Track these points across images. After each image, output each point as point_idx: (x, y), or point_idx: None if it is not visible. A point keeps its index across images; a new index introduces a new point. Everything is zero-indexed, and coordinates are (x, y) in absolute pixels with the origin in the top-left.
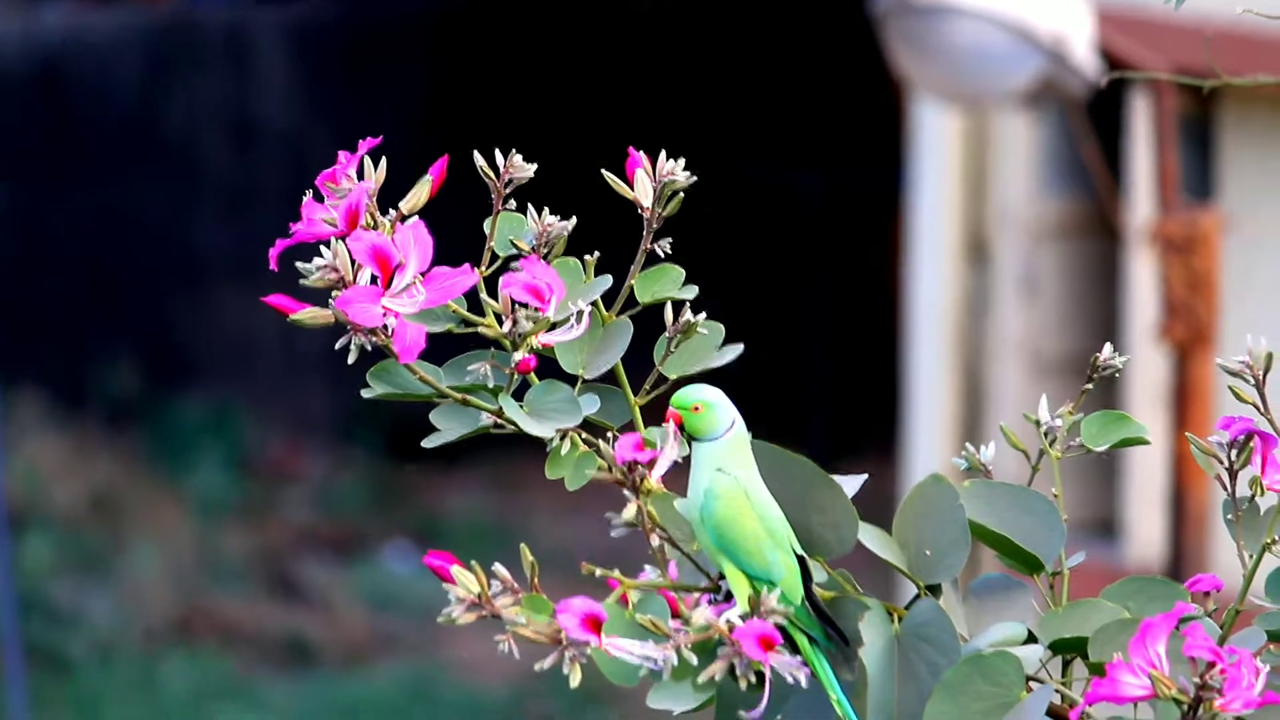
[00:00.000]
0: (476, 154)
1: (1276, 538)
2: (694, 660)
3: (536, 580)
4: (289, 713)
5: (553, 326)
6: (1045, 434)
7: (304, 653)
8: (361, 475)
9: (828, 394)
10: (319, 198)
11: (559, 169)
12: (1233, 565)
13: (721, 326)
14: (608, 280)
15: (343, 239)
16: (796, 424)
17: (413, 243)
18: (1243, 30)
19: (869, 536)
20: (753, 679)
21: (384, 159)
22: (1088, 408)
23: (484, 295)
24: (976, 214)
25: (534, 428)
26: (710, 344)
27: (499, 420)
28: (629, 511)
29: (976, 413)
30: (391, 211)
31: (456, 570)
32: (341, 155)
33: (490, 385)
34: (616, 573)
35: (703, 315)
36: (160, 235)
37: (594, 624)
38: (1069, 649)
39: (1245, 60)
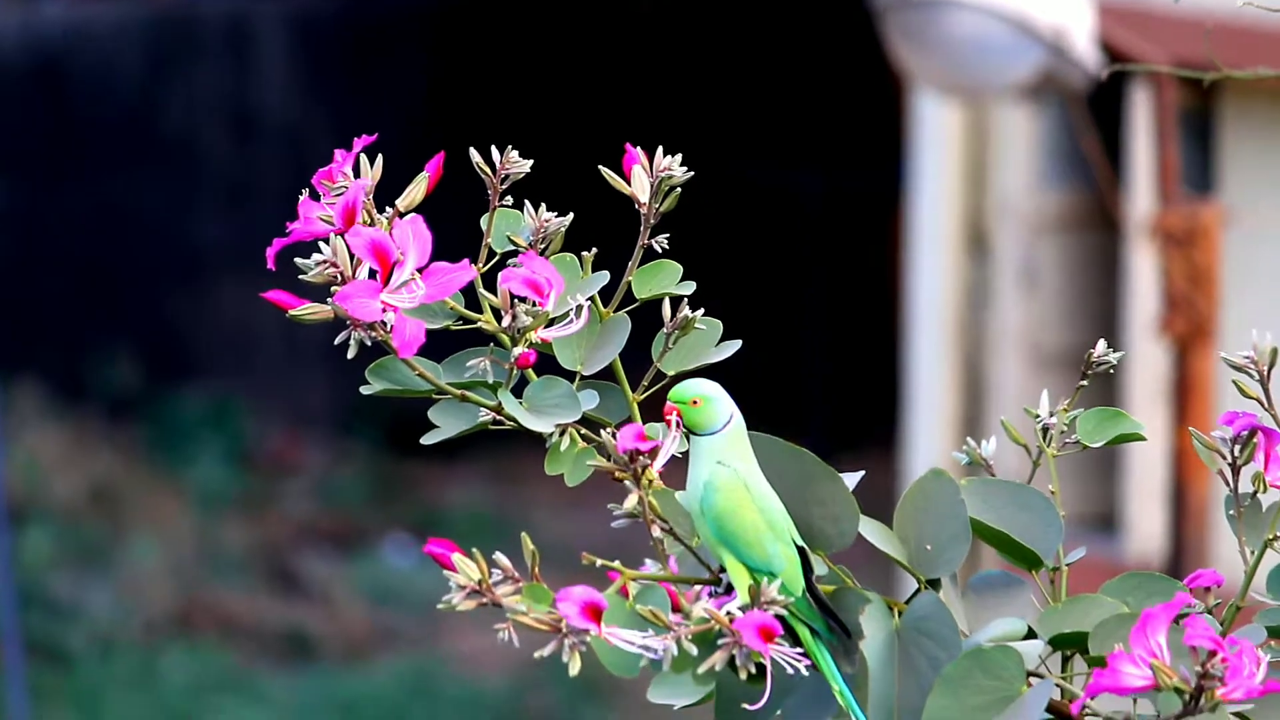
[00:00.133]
0: (473, 150)
1: (1278, 534)
2: (694, 651)
3: (537, 570)
4: (289, 706)
5: (551, 322)
6: (1042, 431)
7: (304, 646)
8: (361, 468)
9: (828, 391)
10: (316, 196)
11: (558, 167)
12: (1233, 561)
13: (719, 323)
14: (605, 276)
15: (340, 236)
16: (797, 420)
17: (411, 238)
18: (1243, 23)
19: (869, 530)
20: (753, 670)
21: (380, 156)
22: (1087, 402)
23: (481, 291)
24: (977, 206)
25: (533, 423)
26: (708, 340)
27: (498, 416)
28: (630, 501)
29: (977, 406)
30: (388, 209)
31: (457, 558)
32: (338, 153)
33: (489, 381)
34: (617, 564)
35: (700, 311)
36: (160, 228)
37: (594, 613)
38: (1069, 644)
39: (1246, 53)
